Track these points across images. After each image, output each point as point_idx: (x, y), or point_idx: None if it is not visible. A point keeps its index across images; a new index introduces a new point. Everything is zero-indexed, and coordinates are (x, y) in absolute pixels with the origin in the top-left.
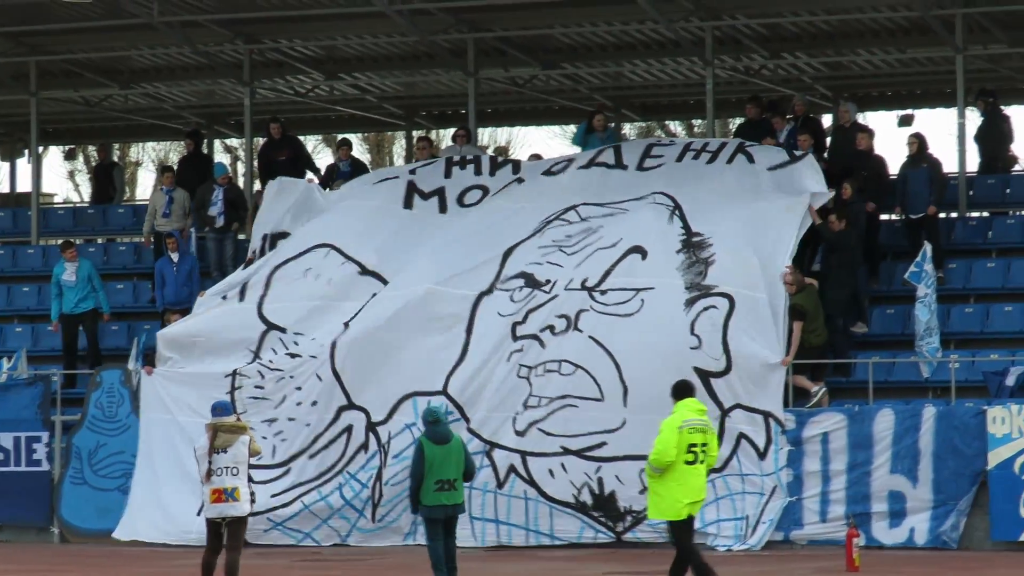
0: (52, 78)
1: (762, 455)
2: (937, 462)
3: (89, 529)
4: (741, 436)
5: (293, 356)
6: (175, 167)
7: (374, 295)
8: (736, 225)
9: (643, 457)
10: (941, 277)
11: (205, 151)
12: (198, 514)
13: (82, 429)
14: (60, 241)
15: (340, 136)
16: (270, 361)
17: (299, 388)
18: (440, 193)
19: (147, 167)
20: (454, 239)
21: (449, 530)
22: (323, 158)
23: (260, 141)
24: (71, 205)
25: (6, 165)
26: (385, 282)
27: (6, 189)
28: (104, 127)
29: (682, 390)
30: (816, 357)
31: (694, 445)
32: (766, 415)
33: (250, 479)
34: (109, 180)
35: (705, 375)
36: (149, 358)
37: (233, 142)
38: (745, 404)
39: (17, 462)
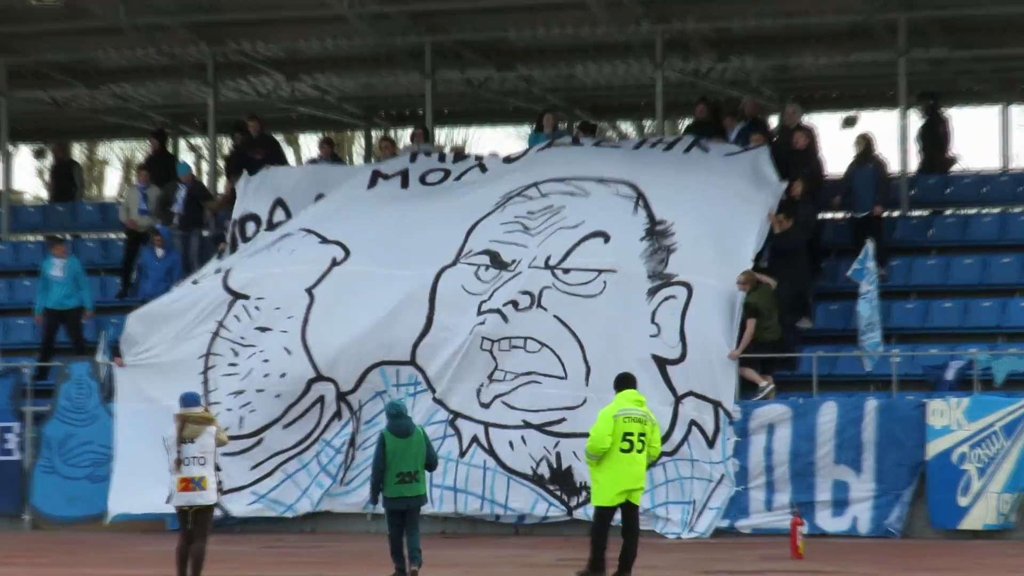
0: (21, 78)
1: (711, 443)
2: (879, 453)
3: (60, 516)
4: (692, 423)
5: (263, 330)
6: (144, 164)
7: (333, 260)
8: (697, 214)
9: None
10: (883, 274)
11: (170, 150)
12: (167, 502)
13: (52, 419)
14: (45, 237)
15: (322, 135)
16: (242, 338)
17: (266, 360)
18: (403, 174)
19: (114, 165)
20: (415, 212)
21: (412, 520)
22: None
23: (225, 140)
24: (41, 203)
25: None
26: (347, 250)
27: None
28: (72, 126)
29: (622, 381)
30: (769, 352)
31: (629, 434)
32: (716, 404)
33: (216, 468)
34: (69, 178)
35: (662, 362)
36: (116, 350)
37: (197, 141)
38: (697, 392)
39: None
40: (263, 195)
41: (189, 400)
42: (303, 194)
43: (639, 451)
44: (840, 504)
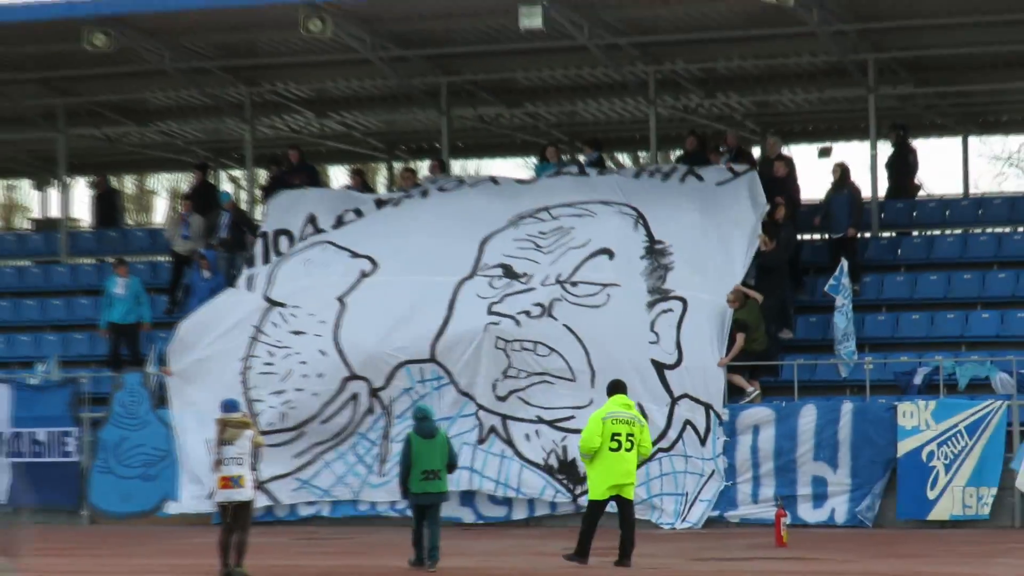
0: (78, 117)
1: (703, 441)
2: (854, 451)
3: (115, 512)
4: (687, 422)
5: (297, 333)
6: (188, 195)
7: (363, 272)
8: (693, 235)
9: None
10: (857, 289)
11: (212, 181)
12: (208, 498)
13: (108, 425)
14: (113, 259)
15: (353, 167)
16: (278, 341)
17: (304, 362)
18: (424, 191)
19: (161, 195)
20: (435, 225)
21: (433, 517)
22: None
23: (261, 172)
24: (95, 230)
25: (38, 194)
26: (375, 263)
27: (39, 215)
28: (123, 160)
29: (613, 387)
30: (755, 360)
31: (617, 434)
32: (707, 406)
33: (252, 468)
34: (111, 204)
35: (660, 366)
36: (164, 361)
37: (236, 173)
38: (691, 395)
39: (51, 453)
40: (297, 212)
41: (229, 406)
42: (333, 213)
43: (628, 450)
44: (819, 497)
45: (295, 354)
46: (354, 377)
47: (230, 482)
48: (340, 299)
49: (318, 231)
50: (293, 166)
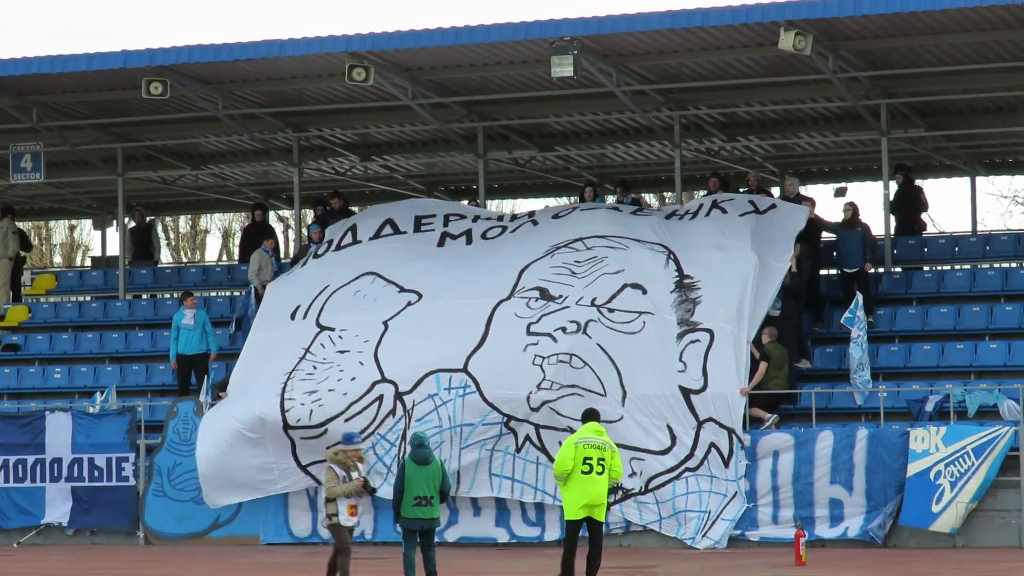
0: (135, 161)
1: (726, 463)
2: (869, 474)
3: (169, 533)
4: (712, 445)
5: (342, 352)
6: (239, 234)
7: (408, 302)
8: (717, 273)
9: (635, 448)
10: (871, 321)
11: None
12: (328, 518)
13: (162, 451)
14: (180, 293)
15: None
16: (324, 359)
17: (342, 370)
18: (467, 233)
19: (214, 234)
20: (476, 260)
21: (426, 542)
22: None
23: (308, 212)
24: (152, 266)
25: (98, 233)
26: (420, 295)
27: (99, 253)
28: (178, 201)
29: (586, 416)
30: (772, 396)
31: (589, 458)
32: (730, 431)
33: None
34: (148, 239)
35: (687, 392)
36: (218, 391)
37: (285, 213)
38: (716, 419)
39: (108, 478)
40: (341, 227)
41: (349, 439)
42: (372, 226)
43: (599, 473)
44: (836, 519)
45: (336, 366)
46: (383, 380)
47: (355, 509)
48: (384, 322)
49: (356, 240)
50: (335, 211)
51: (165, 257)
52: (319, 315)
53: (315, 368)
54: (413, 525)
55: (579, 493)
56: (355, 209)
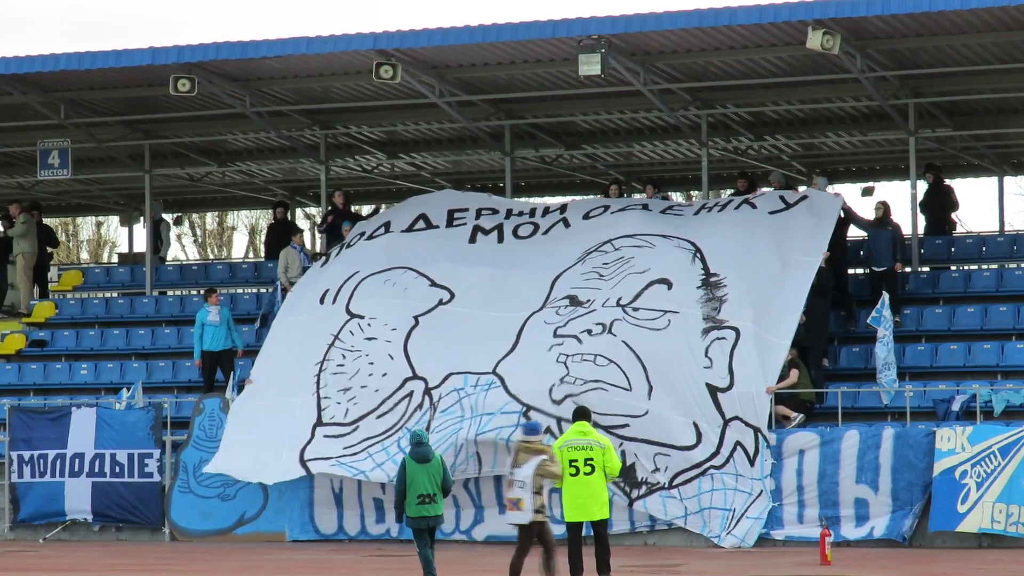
0: (163, 158)
1: (752, 462)
2: (895, 474)
3: (194, 530)
4: (737, 443)
5: (370, 340)
6: (265, 231)
7: (440, 300)
8: (744, 271)
9: (659, 443)
10: (897, 321)
11: (288, 218)
12: (537, 513)
13: (188, 447)
14: (204, 290)
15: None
16: (352, 346)
17: (372, 363)
18: (499, 228)
19: (241, 231)
20: (510, 261)
21: (430, 538)
22: None
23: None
24: (179, 262)
25: (125, 229)
26: (452, 293)
27: (126, 249)
28: (205, 198)
29: (575, 415)
30: (796, 400)
31: (574, 460)
32: (756, 429)
33: (537, 492)
34: (156, 235)
35: (713, 390)
36: (242, 387)
37: (311, 210)
38: (742, 417)
39: (133, 474)
40: (374, 221)
41: (529, 430)
42: (405, 219)
43: (587, 473)
44: (861, 518)
45: (364, 356)
46: (415, 377)
47: (512, 504)
48: (415, 317)
49: (388, 230)
50: (338, 209)
51: (192, 254)
52: (348, 301)
53: (344, 357)
54: (420, 524)
55: (572, 495)
56: (357, 208)
